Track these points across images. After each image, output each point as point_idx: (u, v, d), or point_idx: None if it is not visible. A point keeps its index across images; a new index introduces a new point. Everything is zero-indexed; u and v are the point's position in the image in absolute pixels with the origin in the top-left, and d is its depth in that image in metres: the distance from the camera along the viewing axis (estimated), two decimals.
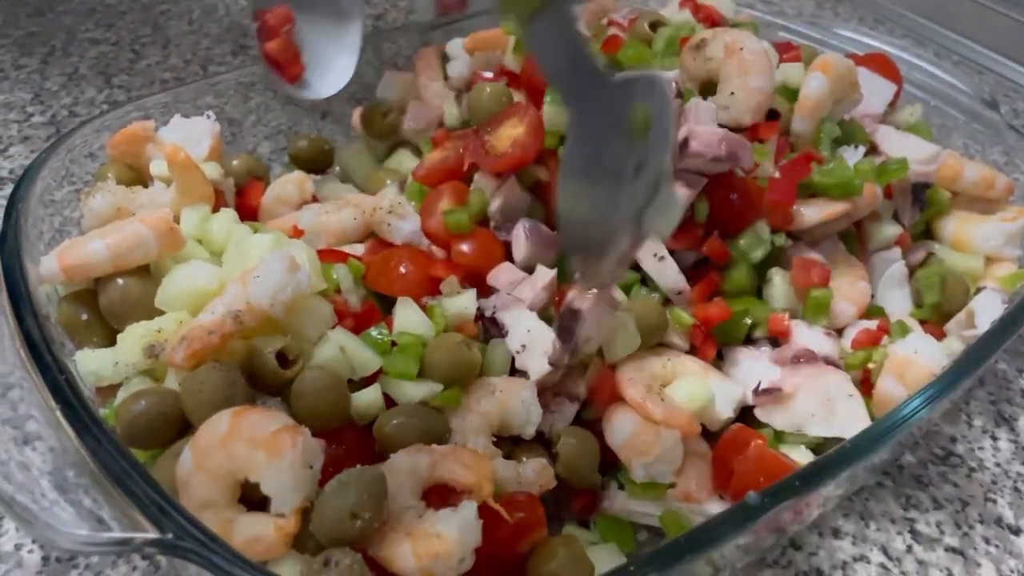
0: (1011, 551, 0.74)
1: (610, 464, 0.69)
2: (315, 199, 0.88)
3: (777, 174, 0.79)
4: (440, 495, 0.59)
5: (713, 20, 0.97)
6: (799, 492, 0.58)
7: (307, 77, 0.91)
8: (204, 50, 1.37)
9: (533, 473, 0.65)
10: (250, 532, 0.53)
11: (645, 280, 0.77)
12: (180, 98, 0.90)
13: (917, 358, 0.72)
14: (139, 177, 0.82)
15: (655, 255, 0.75)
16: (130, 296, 0.67)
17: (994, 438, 0.85)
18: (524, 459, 0.67)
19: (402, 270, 0.75)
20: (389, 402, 0.66)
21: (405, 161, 0.95)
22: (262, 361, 0.61)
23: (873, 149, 0.89)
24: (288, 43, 0.89)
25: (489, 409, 0.67)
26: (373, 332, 0.68)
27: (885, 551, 0.74)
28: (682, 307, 0.75)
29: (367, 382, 0.66)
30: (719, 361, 0.77)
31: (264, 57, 0.88)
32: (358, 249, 0.79)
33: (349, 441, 0.63)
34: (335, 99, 0.98)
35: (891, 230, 0.86)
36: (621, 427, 0.67)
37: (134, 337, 0.64)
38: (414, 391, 0.66)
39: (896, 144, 0.89)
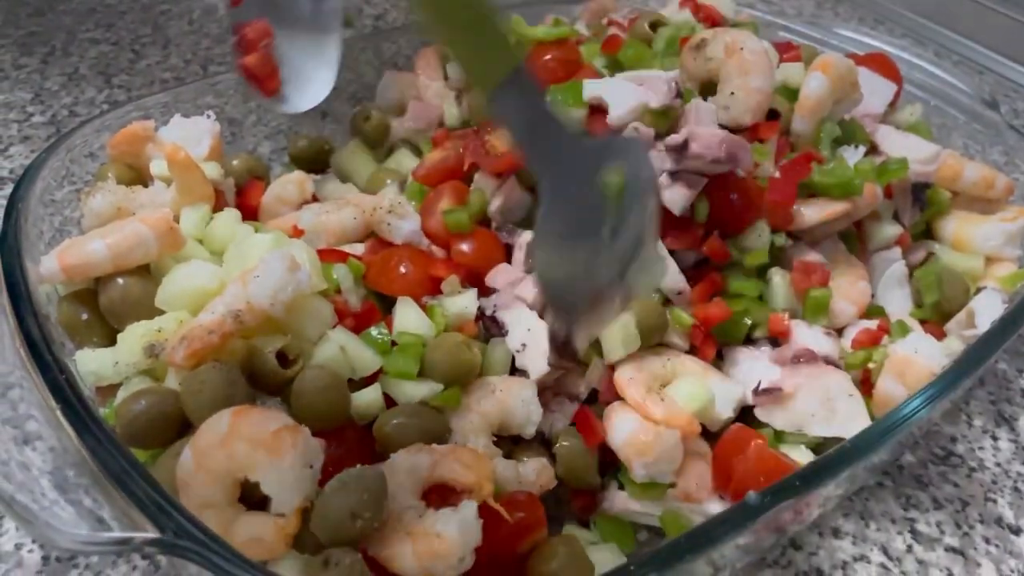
0: (1011, 551, 0.74)
1: (610, 464, 0.69)
2: (315, 199, 0.88)
3: (777, 174, 0.79)
4: (440, 495, 0.59)
5: (713, 20, 0.97)
6: (799, 492, 0.58)
7: (284, 91, 0.91)
8: (204, 50, 1.37)
9: (533, 473, 0.65)
10: (250, 532, 0.53)
11: None
12: (180, 98, 0.90)
13: (917, 358, 0.72)
14: (139, 177, 0.82)
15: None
16: (130, 296, 0.67)
17: (994, 438, 0.85)
18: (524, 459, 0.67)
19: (402, 270, 0.75)
20: (389, 402, 0.66)
21: (405, 161, 0.95)
22: (262, 361, 0.61)
23: (873, 149, 0.89)
24: (266, 57, 0.88)
25: (489, 409, 0.67)
26: (373, 332, 0.68)
27: (885, 551, 0.74)
28: (682, 307, 0.75)
29: (367, 382, 0.66)
30: (719, 361, 0.77)
31: (241, 71, 0.88)
32: (358, 249, 0.79)
33: (349, 441, 0.63)
34: (335, 99, 0.98)
35: (891, 230, 0.86)
36: (621, 427, 0.67)
37: (134, 337, 0.64)
38: (414, 391, 0.66)
39: (896, 144, 0.88)
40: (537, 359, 0.69)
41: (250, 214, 0.85)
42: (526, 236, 0.77)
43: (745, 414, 0.72)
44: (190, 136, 0.83)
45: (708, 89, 0.83)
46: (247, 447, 0.53)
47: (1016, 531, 0.76)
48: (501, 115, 0.59)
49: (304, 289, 0.63)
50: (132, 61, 1.33)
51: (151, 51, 1.36)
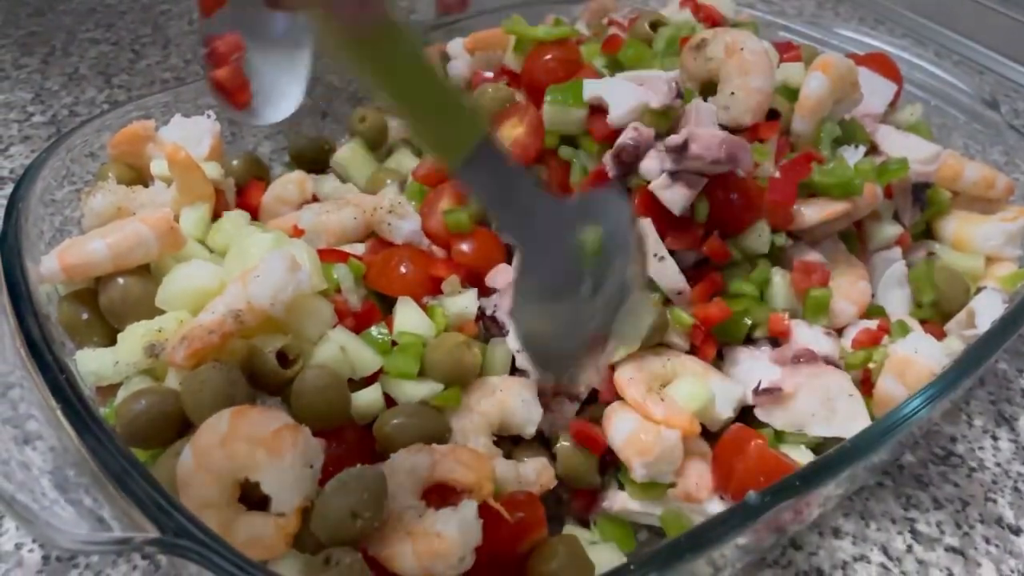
0: (1011, 551, 0.74)
1: (610, 464, 0.70)
2: (315, 199, 0.88)
3: (777, 174, 0.79)
4: (440, 495, 0.59)
5: (713, 20, 0.97)
6: (799, 492, 0.58)
7: (255, 104, 0.91)
8: None
9: (533, 473, 0.65)
10: (250, 531, 0.53)
11: None
12: (180, 98, 0.90)
13: (917, 358, 0.72)
14: (139, 177, 0.82)
15: (655, 255, 0.75)
16: (130, 295, 0.67)
17: (994, 438, 0.85)
18: (524, 459, 0.67)
19: (402, 270, 0.75)
20: (389, 402, 0.66)
21: (405, 161, 0.95)
22: (262, 360, 0.61)
23: (873, 149, 0.89)
24: (238, 71, 0.88)
25: (489, 409, 0.67)
26: (373, 332, 0.68)
27: (885, 551, 0.74)
28: (682, 307, 0.75)
29: (367, 382, 0.66)
30: (719, 361, 0.77)
31: (212, 84, 0.88)
32: (358, 249, 0.79)
33: (349, 441, 0.63)
34: (335, 99, 0.98)
35: (891, 230, 0.86)
36: (621, 427, 0.67)
37: (134, 336, 0.64)
38: (414, 391, 0.66)
39: (896, 144, 0.88)
40: None
41: (250, 214, 0.85)
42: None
43: (745, 414, 0.72)
44: (190, 136, 0.84)
45: (708, 89, 0.83)
46: (247, 447, 0.53)
47: (1016, 531, 0.76)
48: (470, 187, 0.58)
49: (304, 289, 0.63)
50: (132, 61, 1.33)
51: (151, 51, 1.36)
